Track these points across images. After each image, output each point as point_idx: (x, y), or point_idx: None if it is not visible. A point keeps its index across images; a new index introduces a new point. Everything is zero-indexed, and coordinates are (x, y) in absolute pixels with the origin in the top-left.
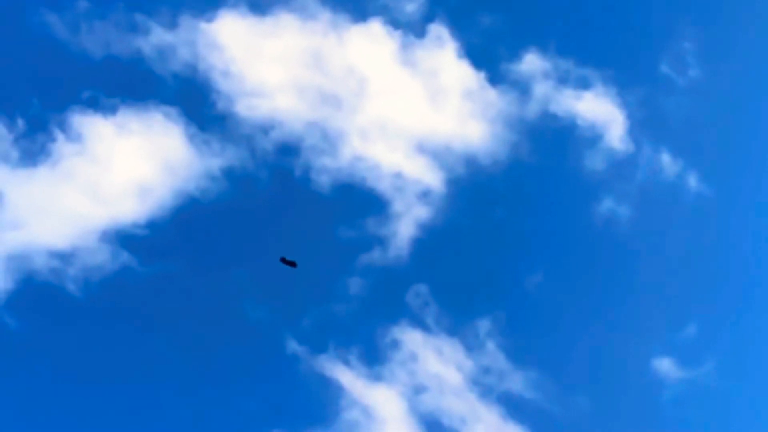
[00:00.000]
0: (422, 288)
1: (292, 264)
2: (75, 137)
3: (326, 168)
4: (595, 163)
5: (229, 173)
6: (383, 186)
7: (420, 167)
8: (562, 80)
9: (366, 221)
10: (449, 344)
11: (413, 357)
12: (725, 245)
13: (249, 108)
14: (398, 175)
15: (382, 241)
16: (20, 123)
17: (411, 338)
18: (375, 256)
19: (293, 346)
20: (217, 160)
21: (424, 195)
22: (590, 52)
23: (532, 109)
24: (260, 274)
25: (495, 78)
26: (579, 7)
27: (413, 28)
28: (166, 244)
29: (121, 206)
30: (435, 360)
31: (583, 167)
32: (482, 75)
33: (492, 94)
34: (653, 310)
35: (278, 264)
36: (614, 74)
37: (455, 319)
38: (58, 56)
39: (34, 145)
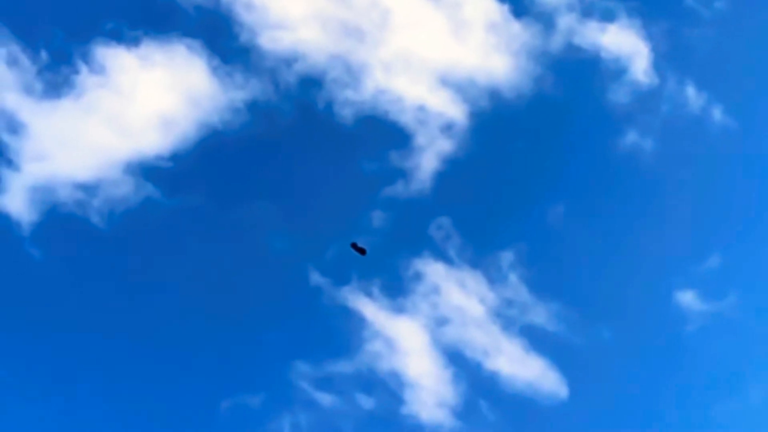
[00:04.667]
0: (445, 220)
1: (362, 251)
2: (98, 69)
3: (349, 101)
4: (619, 96)
5: (252, 106)
6: (406, 119)
7: (443, 100)
8: (587, 12)
9: (389, 154)
10: (472, 276)
11: (436, 289)
12: (749, 178)
13: (272, 40)
14: (421, 108)
15: (405, 174)
16: (44, 55)
17: (434, 270)
18: (398, 188)
19: (316, 278)
20: (240, 92)
21: (448, 128)
22: None
23: (556, 42)
24: (283, 206)
25: (519, 10)
26: None
27: None
28: (189, 176)
29: (145, 138)
30: (457, 292)
31: (607, 100)
32: (506, 7)
33: (516, 27)
34: (676, 242)
35: (301, 197)
36: (639, 6)
37: (478, 252)
38: None
39: (57, 77)
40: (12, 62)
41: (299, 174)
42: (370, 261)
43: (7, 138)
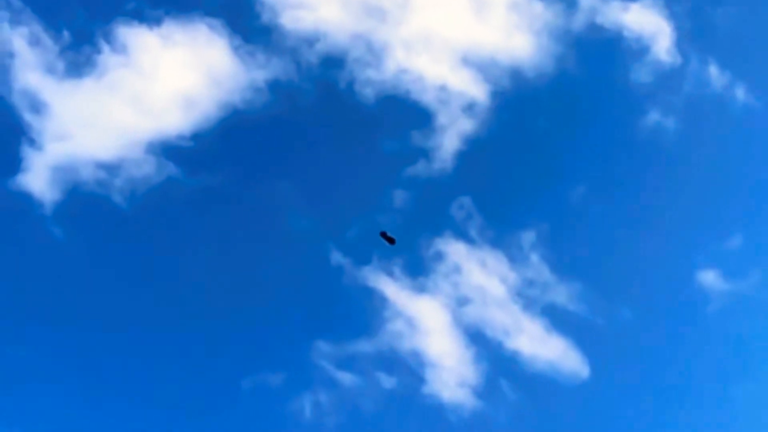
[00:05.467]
0: (466, 200)
1: (391, 241)
2: (120, 49)
3: (371, 80)
4: (641, 75)
5: (273, 85)
6: (428, 98)
7: (465, 80)
8: None
9: (410, 133)
10: (493, 256)
11: (457, 269)
12: None
13: (294, 20)
14: (443, 88)
15: (426, 154)
16: (66, 35)
17: (455, 250)
18: (419, 168)
19: (337, 257)
20: (261, 72)
21: (469, 107)
22: None
23: (579, 21)
24: (305, 186)
25: None
26: None
27: None
28: (210, 155)
29: (167, 118)
30: (479, 272)
31: (630, 79)
32: None
33: (538, 6)
34: (698, 222)
35: (322, 176)
36: None
37: (499, 231)
38: None
39: (79, 57)
40: (34, 42)
41: (320, 153)
42: None
43: (29, 117)
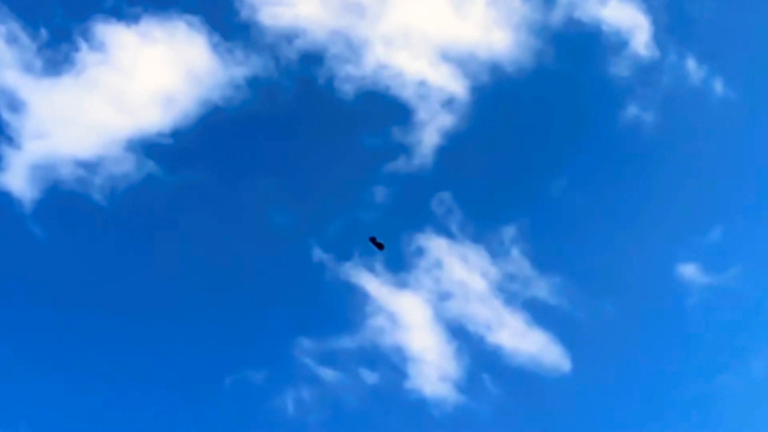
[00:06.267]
0: (447, 195)
1: (380, 246)
2: (98, 46)
3: (350, 76)
4: (620, 69)
5: (253, 82)
6: (407, 94)
7: (444, 75)
8: None
9: (390, 129)
10: (474, 251)
11: (438, 264)
12: (750, 150)
13: (272, 16)
14: (422, 83)
15: (406, 149)
16: (43, 32)
17: (436, 245)
18: (399, 164)
19: (318, 254)
20: (240, 68)
21: (449, 103)
22: None
23: (557, 16)
24: (285, 182)
25: None
26: None
27: None
28: (190, 152)
29: (146, 115)
30: (460, 267)
31: (608, 74)
32: None
33: (516, 1)
34: (678, 215)
35: (303, 173)
36: None
37: (480, 226)
38: None
39: (57, 55)
40: (12, 40)
41: (300, 150)
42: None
43: (7, 116)
